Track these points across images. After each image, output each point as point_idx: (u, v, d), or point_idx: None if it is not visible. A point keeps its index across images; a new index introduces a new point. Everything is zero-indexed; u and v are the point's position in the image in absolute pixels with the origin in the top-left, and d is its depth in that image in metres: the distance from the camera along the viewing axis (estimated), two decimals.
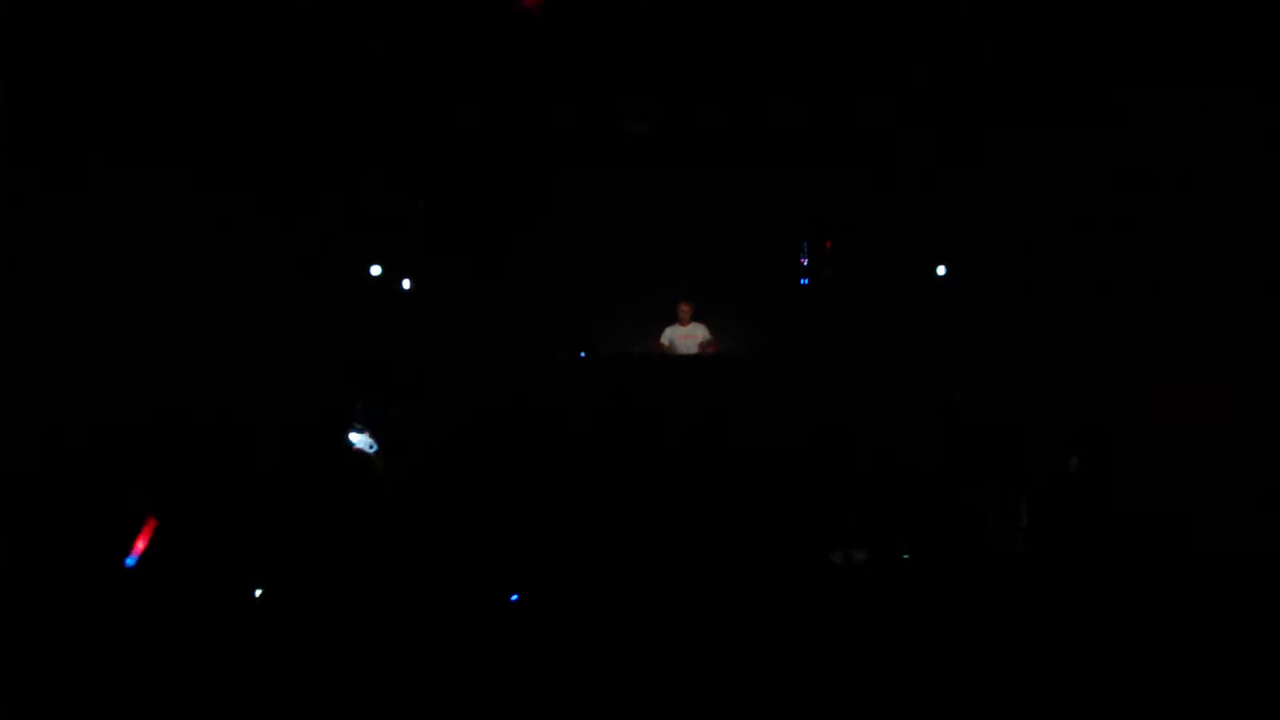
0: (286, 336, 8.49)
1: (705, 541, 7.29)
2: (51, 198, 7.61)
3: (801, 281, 9.75)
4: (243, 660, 5.95)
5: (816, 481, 7.82)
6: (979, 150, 8.87)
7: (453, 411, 8.71)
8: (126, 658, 5.96)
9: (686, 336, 9.44)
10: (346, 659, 5.95)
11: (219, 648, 6.03)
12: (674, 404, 8.18)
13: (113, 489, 7.17)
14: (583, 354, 9.28)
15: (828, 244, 9.74)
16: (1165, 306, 8.06)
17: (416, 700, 5.68)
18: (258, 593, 6.73)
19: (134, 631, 6.20)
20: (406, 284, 9.45)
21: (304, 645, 6.15)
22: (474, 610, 6.50)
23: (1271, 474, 7.24)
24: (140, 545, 6.88)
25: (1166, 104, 8.03)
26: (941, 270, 9.30)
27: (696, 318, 9.50)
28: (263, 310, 8.45)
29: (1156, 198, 8.14)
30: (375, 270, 9.30)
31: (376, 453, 8.07)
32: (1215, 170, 7.92)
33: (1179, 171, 8.02)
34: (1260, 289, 7.77)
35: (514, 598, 6.64)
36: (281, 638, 6.25)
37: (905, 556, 7.45)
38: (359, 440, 8.06)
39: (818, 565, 7.42)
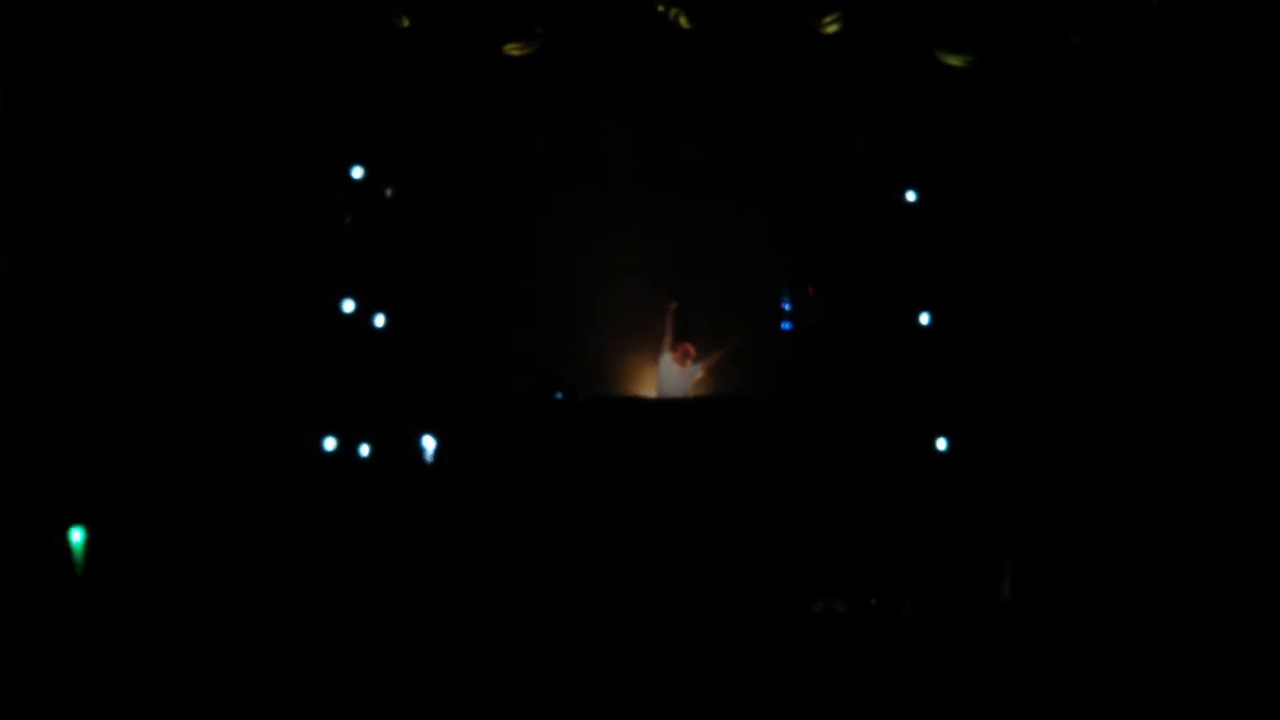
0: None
1: (693, 592, 7.16)
2: None
3: (783, 326, 9.64)
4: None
5: (801, 531, 7.69)
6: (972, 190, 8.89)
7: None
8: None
9: (680, 375, 9.40)
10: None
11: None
12: (657, 450, 8.04)
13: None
14: (559, 395, 9.06)
15: (810, 289, 9.65)
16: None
17: None
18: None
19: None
20: (380, 320, 9.22)
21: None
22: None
23: None
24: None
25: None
26: (925, 319, 9.20)
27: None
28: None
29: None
30: (349, 306, 9.07)
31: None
32: None
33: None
34: None
35: None
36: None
37: (873, 602, 7.42)
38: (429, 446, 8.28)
39: (800, 614, 7.35)
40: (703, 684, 6.32)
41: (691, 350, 9.46)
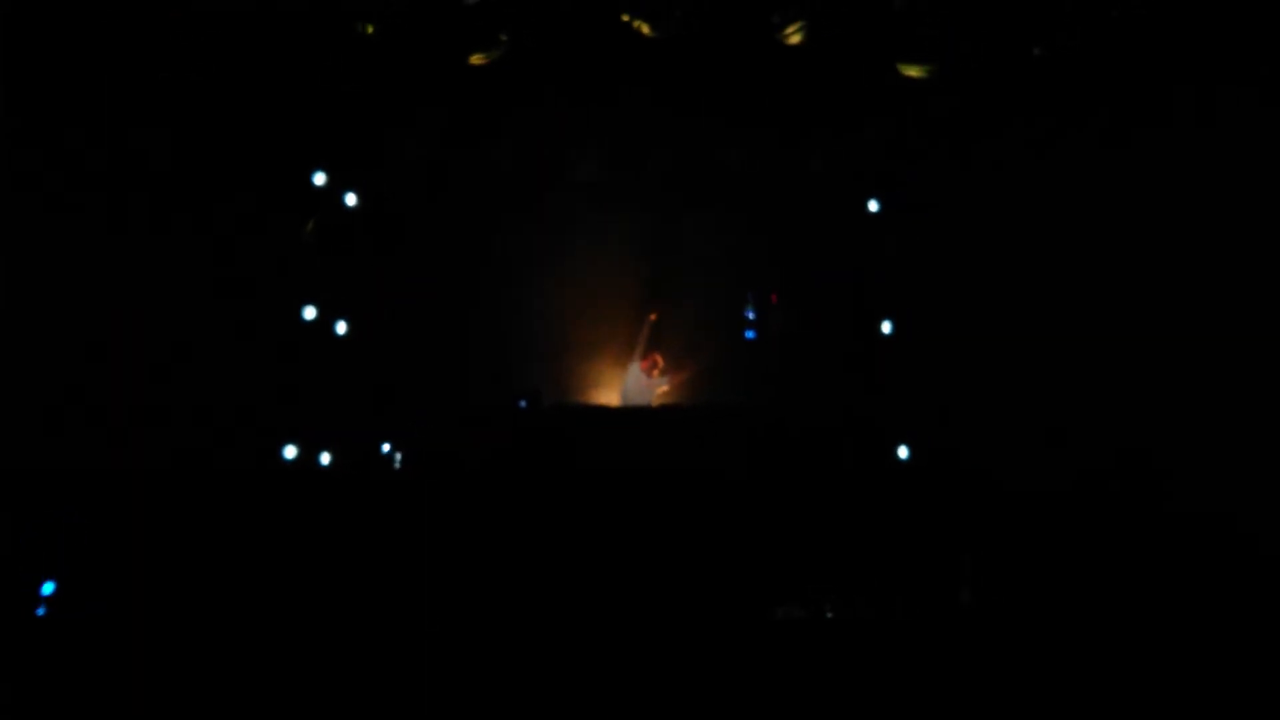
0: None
1: (652, 600, 7.17)
2: None
3: (747, 335, 9.67)
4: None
5: (762, 538, 7.71)
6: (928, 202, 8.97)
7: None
8: None
9: (647, 385, 9.45)
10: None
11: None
12: (618, 458, 8.05)
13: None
14: (522, 403, 9.05)
15: (774, 297, 9.68)
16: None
17: None
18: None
19: None
20: (341, 328, 9.16)
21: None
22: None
23: None
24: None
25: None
26: (887, 328, 9.25)
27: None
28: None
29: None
30: (310, 313, 9.01)
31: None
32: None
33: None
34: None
35: None
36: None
37: (829, 615, 7.42)
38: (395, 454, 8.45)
39: (761, 620, 7.36)
40: (669, 687, 6.30)
41: (660, 361, 9.51)
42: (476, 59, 8.40)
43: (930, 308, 8.92)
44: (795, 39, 8.34)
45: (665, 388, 9.53)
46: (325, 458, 8.61)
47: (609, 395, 9.65)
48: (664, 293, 9.73)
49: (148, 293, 8.06)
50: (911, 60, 8.37)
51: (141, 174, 8.20)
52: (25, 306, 7.62)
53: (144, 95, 8.15)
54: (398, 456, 8.63)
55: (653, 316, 9.58)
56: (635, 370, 9.50)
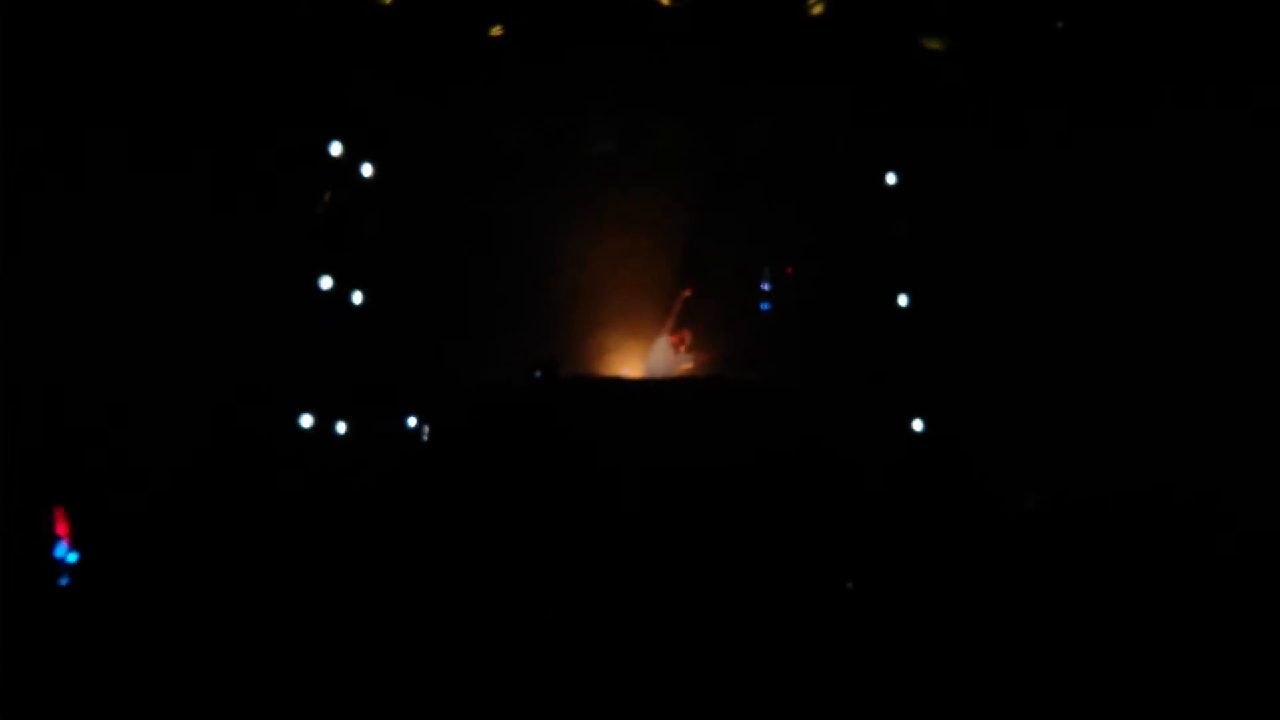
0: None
1: (688, 578, 7.20)
2: None
3: (762, 306, 9.68)
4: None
5: (792, 512, 7.73)
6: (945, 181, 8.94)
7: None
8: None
9: (672, 360, 9.49)
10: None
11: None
12: (641, 434, 8.08)
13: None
14: (538, 374, 9.06)
15: (789, 269, 9.68)
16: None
17: None
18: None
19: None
20: (358, 298, 9.16)
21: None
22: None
23: None
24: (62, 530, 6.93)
25: None
26: (903, 300, 9.26)
27: None
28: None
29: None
30: (326, 283, 9.01)
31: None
32: None
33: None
34: None
35: None
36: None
37: (849, 586, 7.42)
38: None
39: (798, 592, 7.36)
40: (688, 673, 6.30)
41: (689, 338, 9.54)
42: (497, 30, 8.39)
43: (951, 285, 8.91)
44: (818, 9, 8.33)
45: (689, 364, 9.56)
46: (341, 428, 8.64)
47: (630, 368, 9.68)
48: (694, 270, 9.73)
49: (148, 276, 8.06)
50: (933, 34, 8.36)
51: (143, 153, 8.16)
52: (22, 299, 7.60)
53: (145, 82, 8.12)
54: (425, 429, 8.67)
55: (686, 292, 9.59)
56: (663, 343, 9.55)
